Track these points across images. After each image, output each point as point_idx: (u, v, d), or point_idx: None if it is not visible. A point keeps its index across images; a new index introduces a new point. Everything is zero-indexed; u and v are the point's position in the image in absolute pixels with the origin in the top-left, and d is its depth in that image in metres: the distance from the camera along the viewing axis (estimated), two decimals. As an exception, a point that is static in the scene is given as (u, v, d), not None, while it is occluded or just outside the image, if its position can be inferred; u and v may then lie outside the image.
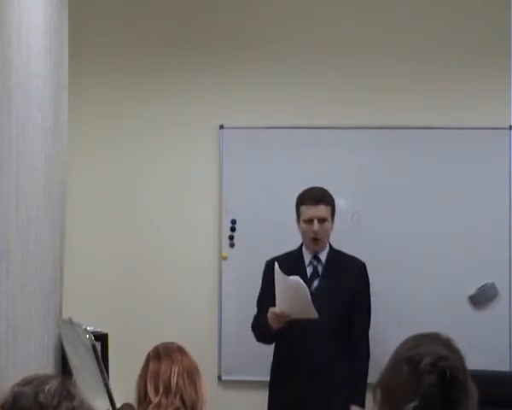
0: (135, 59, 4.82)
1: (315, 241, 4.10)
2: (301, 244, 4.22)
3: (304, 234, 4.13)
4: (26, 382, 1.85)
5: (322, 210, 4.07)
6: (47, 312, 3.49)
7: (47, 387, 1.81)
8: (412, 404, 1.74)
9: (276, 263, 3.87)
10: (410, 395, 1.75)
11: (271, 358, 4.20)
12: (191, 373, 2.90)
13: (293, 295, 3.82)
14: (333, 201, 4.13)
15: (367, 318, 4.15)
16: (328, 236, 4.15)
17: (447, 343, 1.85)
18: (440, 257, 4.62)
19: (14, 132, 2.93)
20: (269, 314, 3.92)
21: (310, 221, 4.07)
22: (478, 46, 4.72)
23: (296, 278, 3.81)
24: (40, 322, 3.36)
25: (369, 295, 4.17)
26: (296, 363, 4.04)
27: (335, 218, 4.20)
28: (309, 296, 3.81)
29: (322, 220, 4.07)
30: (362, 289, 4.16)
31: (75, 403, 1.80)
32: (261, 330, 4.12)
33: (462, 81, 4.74)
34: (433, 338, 1.86)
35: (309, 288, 3.95)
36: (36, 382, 1.84)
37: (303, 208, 4.10)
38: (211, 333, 4.71)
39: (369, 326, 4.15)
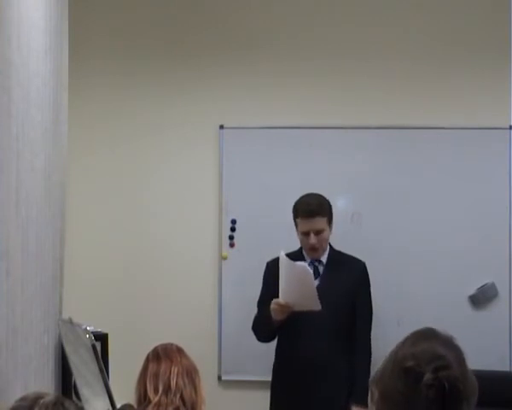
0: (135, 59, 4.82)
1: (313, 250, 4.10)
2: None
3: (302, 244, 4.14)
4: (24, 398, 1.93)
5: (318, 222, 4.04)
6: (47, 312, 3.49)
7: (42, 401, 1.87)
8: None
9: (281, 252, 3.87)
10: (409, 406, 1.75)
11: (271, 358, 4.20)
12: (190, 374, 2.91)
13: (298, 282, 3.83)
14: (329, 208, 4.09)
15: (368, 317, 4.16)
16: (327, 242, 4.14)
17: (446, 342, 1.84)
18: (440, 257, 4.63)
19: (14, 132, 2.93)
20: (272, 306, 3.92)
21: (306, 234, 4.06)
22: (478, 46, 4.72)
23: (303, 264, 3.84)
24: (40, 322, 3.36)
25: (369, 295, 4.18)
26: (297, 362, 4.05)
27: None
28: (314, 284, 3.83)
29: (318, 232, 4.05)
30: (363, 288, 4.16)
31: None
32: (262, 327, 4.12)
33: (462, 81, 4.74)
34: (432, 339, 1.85)
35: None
36: (32, 397, 1.91)
37: (299, 221, 4.09)
38: (211, 333, 4.71)
39: (370, 326, 4.15)
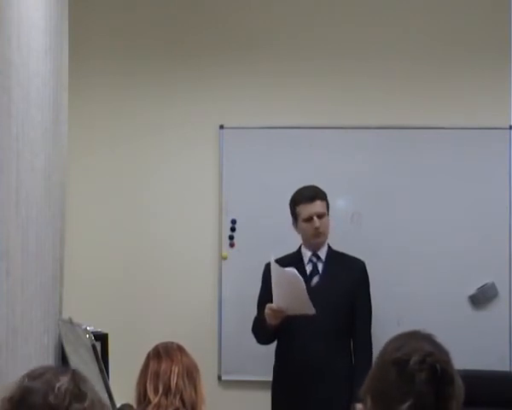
0: (135, 59, 4.82)
1: (317, 234, 4.11)
2: (300, 246, 4.22)
3: (304, 232, 4.14)
4: (36, 375, 1.74)
5: (319, 206, 4.09)
6: (47, 312, 3.49)
7: (57, 385, 1.71)
8: (406, 404, 1.74)
9: (272, 257, 3.88)
10: (403, 396, 1.75)
11: (271, 358, 4.21)
12: (191, 373, 2.91)
13: (289, 288, 3.84)
14: (326, 195, 4.15)
15: (368, 318, 4.16)
16: (328, 230, 4.16)
17: (429, 339, 1.86)
18: (440, 257, 4.63)
19: (14, 132, 2.93)
20: (266, 310, 3.94)
21: (309, 219, 4.09)
22: (478, 46, 4.72)
23: (292, 270, 3.84)
24: (40, 322, 3.36)
25: (369, 295, 4.18)
26: (297, 362, 4.05)
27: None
28: (305, 289, 3.83)
29: (320, 216, 4.09)
30: (362, 287, 4.16)
31: (86, 404, 1.71)
32: (260, 329, 4.12)
33: (462, 81, 4.74)
34: (415, 336, 1.87)
35: (308, 285, 3.96)
36: (46, 377, 1.73)
37: (300, 208, 4.11)
38: (211, 333, 4.71)
39: (370, 326, 4.15)
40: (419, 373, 1.75)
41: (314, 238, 4.14)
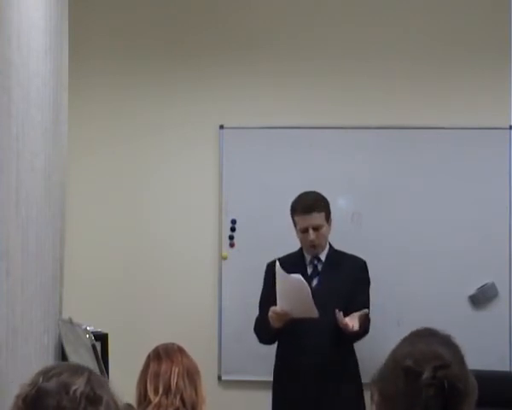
0: (135, 59, 4.82)
1: (313, 247, 4.11)
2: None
3: (301, 242, 4.14)
4: (51, 375, 1.67)
5: (315, 218, 4.05)
6: (47, 312, 3.49)
7: (73, 388, 1.64)
8: None
9: (277, 261, 3.88)
10: (409, 405, 1.75)
11: (272, 358, 4.20)
12: (191, 374, 2.91)
13: (294, 293, 3.84)
14: (326, 204, 4.11)
15: (367, 300, 4.10)
16: (326, 239, 4.15)
17: (445, 341, 1.84)
18: (440, 257, 4.63)
19: (14, 132, 2.93)
20: (270, 313, 3.93)
21: (305, 230, 4.07)
22: (478, 46, 4.72)
23: (298, 277, 3.83)
24: (40, 322, 3.36)
25: (367, 291, 4.14)
26: (298, 362, 4.05)
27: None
28: (310, 295, 3.83)
29: (316, 228, 4.06)
30: (360, 285, 4.13)
31: (101, 409, 1.65)
32: (263, 330, 4.12)
33: (462, 81, 4.74)
34: (430, 338, 1.85)
35: (309, 285, 3.96)
36: (61, 378, 1.66)
37: (297, 219, 4.10)
38: (211, 333, 4.71)
39: (368, 307, 4.11)
40: (427, 388, 1.75)
41: (309, 250, 4.14)
